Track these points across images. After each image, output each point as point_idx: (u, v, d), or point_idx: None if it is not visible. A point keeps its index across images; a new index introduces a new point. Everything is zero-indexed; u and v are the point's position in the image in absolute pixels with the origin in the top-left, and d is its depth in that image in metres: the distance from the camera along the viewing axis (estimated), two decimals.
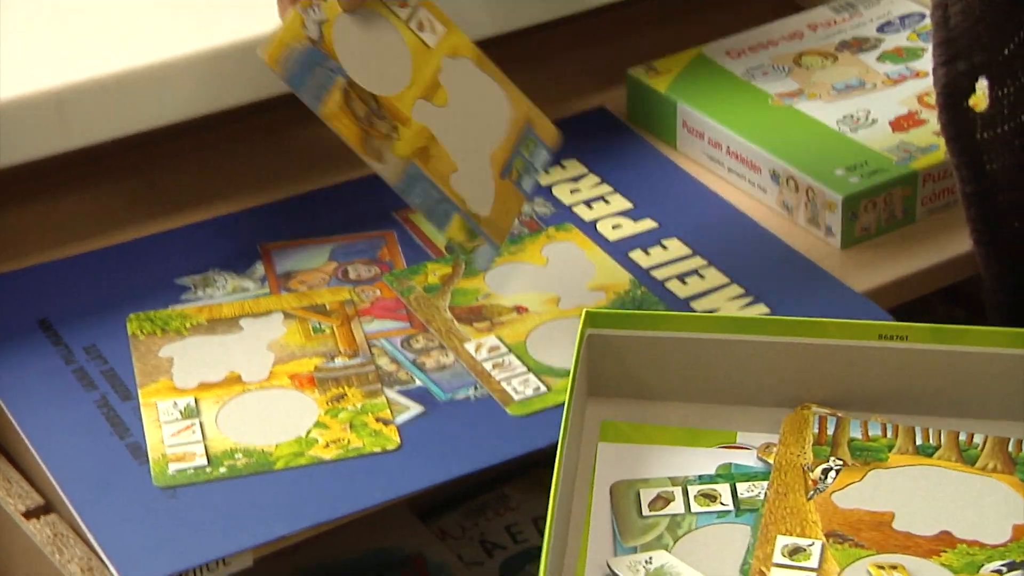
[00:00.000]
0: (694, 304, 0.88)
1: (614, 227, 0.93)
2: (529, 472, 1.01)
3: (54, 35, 0.90)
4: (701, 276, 0.90)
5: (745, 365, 0.79)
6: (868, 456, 0.77)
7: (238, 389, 0.82)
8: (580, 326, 0.78)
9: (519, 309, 0.87)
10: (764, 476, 0.76)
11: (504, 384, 0.83)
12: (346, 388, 0.83)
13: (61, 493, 0.78)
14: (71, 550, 0.77)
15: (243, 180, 0.97)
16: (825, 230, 0.92)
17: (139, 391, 0.81)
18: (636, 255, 0.91)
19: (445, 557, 0.95)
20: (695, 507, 0.75)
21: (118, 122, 0.90)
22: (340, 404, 0.82)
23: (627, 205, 0.94)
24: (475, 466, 0.79)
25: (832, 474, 0.76)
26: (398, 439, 0.80)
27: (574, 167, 0.97)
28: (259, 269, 0.91)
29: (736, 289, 0.89)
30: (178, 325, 0.85)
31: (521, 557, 0.97)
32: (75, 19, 0.92)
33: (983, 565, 0.73)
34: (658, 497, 0.75)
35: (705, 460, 0.77)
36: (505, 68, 1.04)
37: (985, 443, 0.77)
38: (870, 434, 0.78)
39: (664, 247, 0.91)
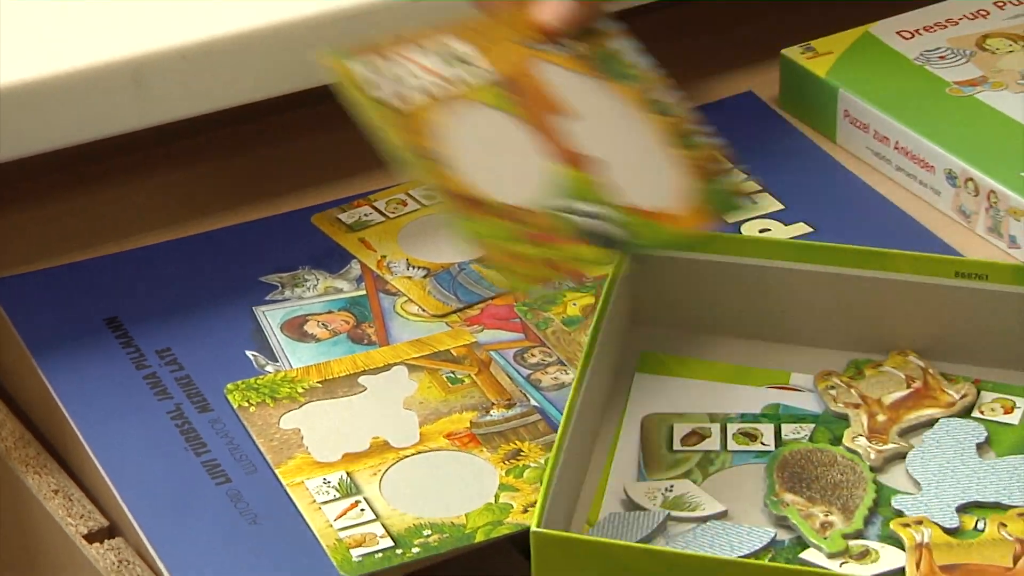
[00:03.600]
0: None
1: (761, 231, 0.92)
2: None
3: None
4: None
5: (804, 298, 0.79)
6: None
7: (391, 456, 0.81)
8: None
9: None
10: (813, 419, 0.78)
11: None
12: (518, 443, 0.81)
13: (129, 515, 0.79)
14: None
15: (340, 166, 0.98)
16: (1008, 241, 0.91)
17: (276, 471, 0.80)
18: None
19: None
20: (732, 445, 0.76)
21: (201, 97, 0.91)
22: (519, 461, 0.80)
23: (777, 206, 0.94)
24: None
25: None
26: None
27: None
28: (355, 268, 0.91)
29: None
30: (289, 391, 0.84)
31: None
32: None
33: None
34: (692, 433, 0.77)
35: (751, 399, 0.78)
36: (642, 44, 1.04)
37: None
38: None
39: None
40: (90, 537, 0.80)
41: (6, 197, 0.94)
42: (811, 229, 0.93)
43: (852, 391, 0.79)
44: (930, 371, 0.80)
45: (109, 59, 0.88)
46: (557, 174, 0.69)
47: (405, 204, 0.94)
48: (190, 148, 0.97)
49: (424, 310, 0.88)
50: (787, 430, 0.77)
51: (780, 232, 0.93)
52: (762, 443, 0.77)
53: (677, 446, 0.76)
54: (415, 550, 0.77)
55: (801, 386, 0.79)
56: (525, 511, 0.78)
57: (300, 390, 0.84)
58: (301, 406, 0.83)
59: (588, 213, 0.70)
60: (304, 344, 0.87)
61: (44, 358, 0.85)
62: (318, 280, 0.90)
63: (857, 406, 0.79)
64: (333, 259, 0.92)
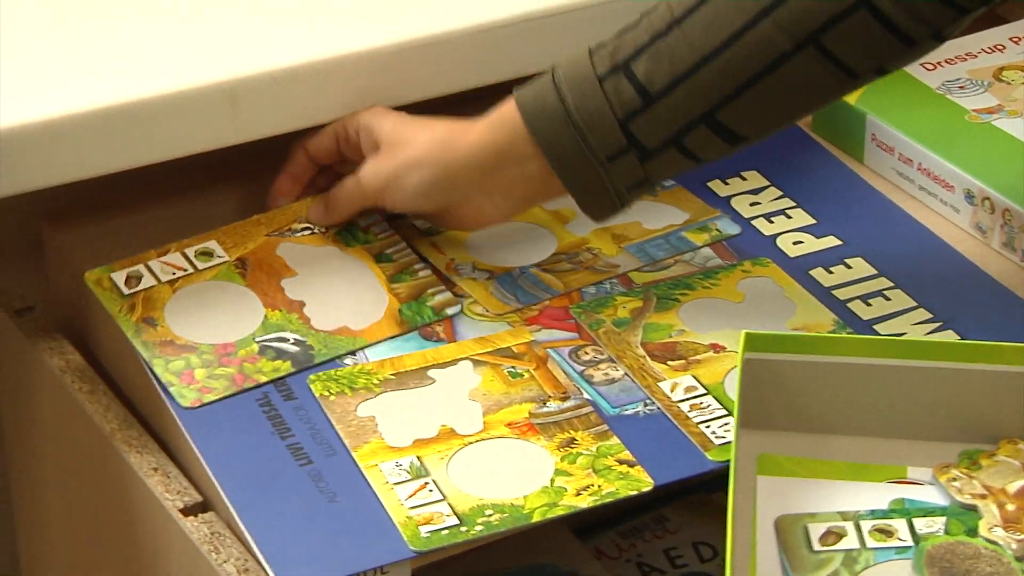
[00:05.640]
0: (878, 327, 0.88)
1: (795, 243, 0.94)
2: (689, 495, 1.02)
3: (228, 26, 0.93)
4: (887, 298, 0.90)
5: (915, 395, 0.79)
6: None
7: (457, 443, 0.82)
8: (740, 349, 0.78)
9: (715, 348, 0.87)
10: (942, 511, 0.77)
11: (703, 428, 0.83)
12: (572, 432, 0.83)
13: (221, 491, 0.80)
14: (228, 550, 0.79)
15: None
16: (1021, 255, 0.93)
17: (353, 454, 0.81)
18: (817, 273, 0.92)
19: None
20: (871, 543, 0.75)
21: (290, 116, 0.92)
22: (573, 449, 0.82)
23: (810, 220, 0.96)
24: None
25: None
26: (650, 479, 0.81)
27: (754, 179, 0.98)
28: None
29: (923, 313, 0.89)
30: (365, 382, 0.85)
31: None
32: (248, 10, 0.94)
33: None
34: (828, 532, 0.76)
35: (875, 495, 0.77)
36: None
37: None
38: None
39: (848, 266, 0.92)
40: (185, 511, 0.81)
41: (112, 204, 0.95)
42: (840, 242, 0.94)
43: (975, 482, 0.77)
44: None
45: (208, 81, 0.89)
46: (266, 316, 0.87)
47: None
48: (274, 162, 0.97)
49: (487, 310, 0.90)
50: (920, 524, 0.76)
51: (811, 244, 0.94)
52: (899, 539, 0.75)
53: (817, 546, 0.75)
54: (478, 528, 0.78)
55: (920, 479, 0.78)
56: (578, 494, 0.79)
57: (376, 381, 0.85)
58: (377, 396, 0.84)
59: (281, 338, 0.86)
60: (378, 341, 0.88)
61: None
62: None
63: (983, 497, 0.77)
64: None
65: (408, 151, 0.88)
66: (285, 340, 0.86)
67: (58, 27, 0.92)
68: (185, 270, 0.88)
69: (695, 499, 1.02)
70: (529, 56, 0.95)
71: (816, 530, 0.75)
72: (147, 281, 0.87)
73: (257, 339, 0.86)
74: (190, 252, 0.89)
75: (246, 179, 0.97)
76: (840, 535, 0.75)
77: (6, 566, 1.02)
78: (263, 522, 0.79)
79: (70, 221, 0.94)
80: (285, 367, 0.86)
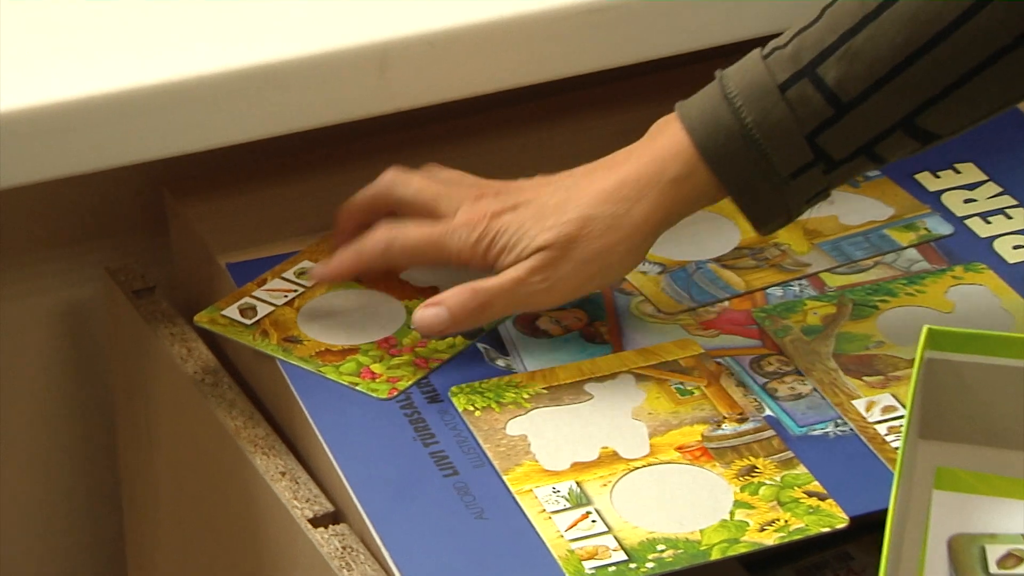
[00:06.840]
0: None
1: (1016, 247, 0.89)
2: (878, 530, 0.95)
3: None
4: None
5: None
6: None
7: (621, 468, 0.78)
8: (919, 347, 0.73)
9: None
10: None
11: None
12: (752, 458, 0.78)
13: (355, 500, 0.76)
14: (361, 567, 0.75)
15: (577, 158, 0.91)
16: None
17: (504, 478, 0.77)
18: None
19: None
20: None
21: (443, 86, 0.88)
22: (754, 478, 0.77)
23: None
24: None
25: None
26: (844, 515, 0.76)
27: (970, 172, 0.93)
28: None
29: None
30: (514, 397, 0.81)
31: None
32: None
33: None
34: (1009, 555, 0.72)
35: None
36: None
37: None
38: None
39: None
40: (315, 522, 0.78)
41: (243, 177, 0.93)
42: None
43: None
44: None
45: (355, 43, 0.86)
46: (407, 306, 0.85)
47: None
48: (423, 136, 0.95)
49: (659, 309, 0.85)
50: None
51: None
52: None
53: (994, 569, 0.72)
54: (649, 565, 0.73)
55: None
56: (762, 530, 0.74)
57: (525, 396, 0.81)
58: (527, 412, 0.81)
59: None
60: (536, 340, 0.84)
61: None
62: None
63: None
64: None
65: (582, 248, 0.79)
66: None
67: None
68: (296, 290, 0.86)
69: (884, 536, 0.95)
70: (711, 28, 0.90)
71: (995, 552, 0.72)
72: (263, 309, 0.85)
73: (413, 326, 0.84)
74: (289, 275, 0.86)
75: (391, 153, 0.93)
76: (1021, 558, 0.72)
77: (113, 569, 1.00)
78: (402, 537, 0.75)
79: (197, 194, 0.91)
80: (460, 341, 0.83)
